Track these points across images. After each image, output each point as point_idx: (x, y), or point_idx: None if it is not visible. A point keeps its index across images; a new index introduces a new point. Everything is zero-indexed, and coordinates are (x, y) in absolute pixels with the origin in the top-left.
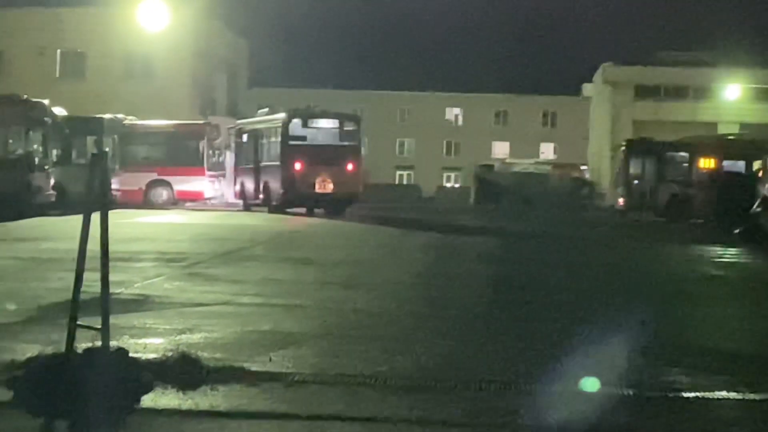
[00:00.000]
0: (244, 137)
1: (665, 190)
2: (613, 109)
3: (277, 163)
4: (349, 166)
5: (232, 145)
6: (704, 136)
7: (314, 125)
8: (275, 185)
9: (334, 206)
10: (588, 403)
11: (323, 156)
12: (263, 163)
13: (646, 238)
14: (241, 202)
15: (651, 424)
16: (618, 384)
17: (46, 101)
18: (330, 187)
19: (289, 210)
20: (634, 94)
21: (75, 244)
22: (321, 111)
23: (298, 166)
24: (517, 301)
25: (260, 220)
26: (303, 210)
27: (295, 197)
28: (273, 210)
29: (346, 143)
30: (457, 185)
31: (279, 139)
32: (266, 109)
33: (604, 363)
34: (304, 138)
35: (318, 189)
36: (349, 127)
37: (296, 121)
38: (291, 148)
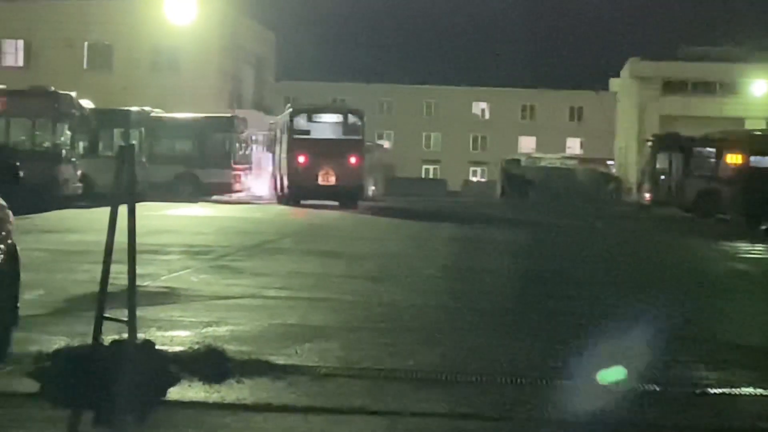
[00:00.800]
0: (277, 133)
1: (692, 185)
2: (640, 103)
3: (285, 156)
4: (352, 159)
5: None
6: (731, 131)
7: (318, 119)
8: (285, 178)
9: (338, 198)
10: (615, 399)
11: (326, 149)
12: (281, 157)
13: (672, 233)
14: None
15: (678, 420)
16: (645, 379)
17: (73, 93)
18: (332, 179)
19: (304, 202)
20: (662, 88)
21: (102, 236)
22: (324, 105)
23: (301, 159)
24: (546, 295)
25: (286, 212)
26: (328, 203)
27: (298, 189)
28: (286, 202)
29: (349, 137)
30: (483, 179)
31: (286, 133)
32: (289, 105)
33: (631, 358)
34: (308, 132)
35: (321, 181)
36: (352, 121)
37: (300, 116)
38: (295, 141)
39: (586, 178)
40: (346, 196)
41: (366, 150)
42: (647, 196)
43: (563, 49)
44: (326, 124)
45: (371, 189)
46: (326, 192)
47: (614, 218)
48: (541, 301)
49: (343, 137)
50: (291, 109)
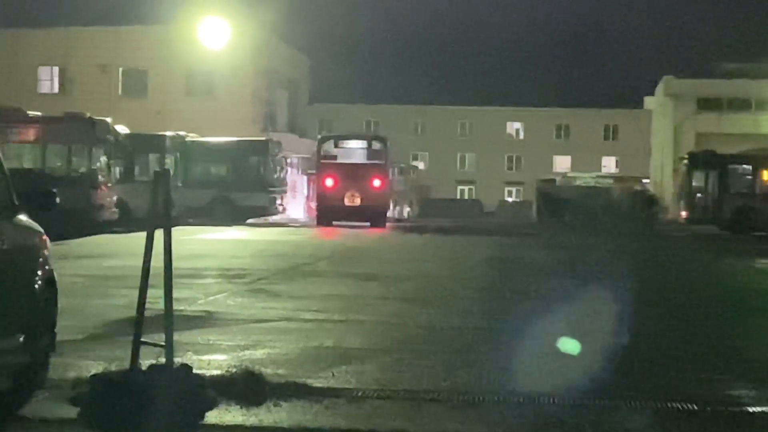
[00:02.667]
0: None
1: (728, 202)
2: (675, 121)
3: (314, 179)
4: (376, 182)
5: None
6: None
7: (344, 146)
8: (314, 200)
9: (364, 219)
10: (653, 417)
11: (352, 173)
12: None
13: (709, 251)
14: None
15: None
16: (683, 398)
17: (108, 119)
18: (358, 200)
19: (337, 224)
20: (696, 106)
21: (138, 261)
22: (350, 133)
23: (329, 182)
24: (584, 316)
25: (321, 235)
26: (360, 224)
27: (327, 210)
28: (318, 223)
29: (373, 161)
30: (518, 199)
31: (315, 158)
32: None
33: (669, 377)
34: (334, 157)
35: (347, 202)
36: (376, 146)
37: (328, 142)
38: (323, 166)
39: (622, 197)
40: (372, 216)
41: (390, 173)
42: (683, 214)
43: (597, 67)
44: (351, 150)
45: (406, 210)
46: (352, 212)
47: (650, 237)
48: (579, 322)
49: (367, 161)
50: (319, 137)
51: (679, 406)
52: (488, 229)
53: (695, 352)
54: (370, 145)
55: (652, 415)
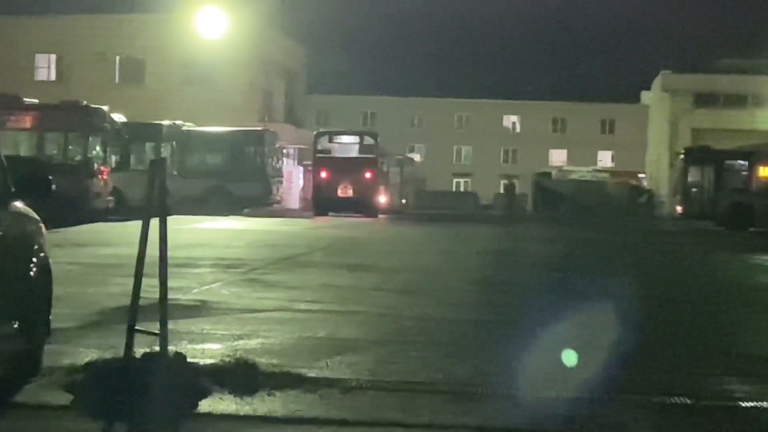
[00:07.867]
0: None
1: (724, 198)
2: (672, 116)
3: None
4: (368, 175)
5: None
6: (764, 144)
7: (338, 141)
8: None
9: (357, 209)
10: (647, 412)
11: (345, 166)
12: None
13: (704, 246)
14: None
15: None
16: (677, 393)
17: (105, 107)
18: (350, 192)
19: (333, 215)
20: (693, 101)
21: (133, 250)
22: (343, 130)
23: (324, 174)
24: (579, 309)
25: (318, 226)
26: (354, 216)
27: (322, 200)
28: (314, 214)
29: (365, 156)
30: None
31: (312, 152)
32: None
33: (663, 372)
34: (329, 151)
35: (340, 194)
36: (367, 142)
37: (323, 138)
38: (318, 160)
39: (618, 191)
40: (364, 206)
41: (381, 166)
42: (679, 209)
43: (594, 61)
44: (345, 145)
45: (402, 202)
46: (345, 203)
47: (646, 232)
48: (575, 315)
49: (359, 156)
50: (315, 133)
51: (674, 401)
52: (483, 221)
53: (689, 347)
54: (362, 140)
55: (648, 409)
